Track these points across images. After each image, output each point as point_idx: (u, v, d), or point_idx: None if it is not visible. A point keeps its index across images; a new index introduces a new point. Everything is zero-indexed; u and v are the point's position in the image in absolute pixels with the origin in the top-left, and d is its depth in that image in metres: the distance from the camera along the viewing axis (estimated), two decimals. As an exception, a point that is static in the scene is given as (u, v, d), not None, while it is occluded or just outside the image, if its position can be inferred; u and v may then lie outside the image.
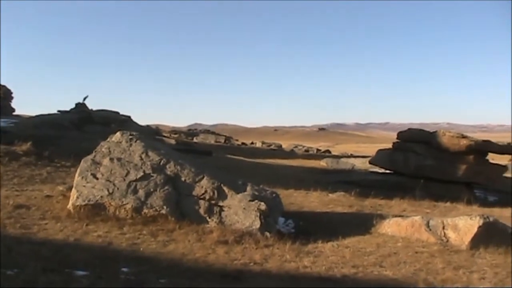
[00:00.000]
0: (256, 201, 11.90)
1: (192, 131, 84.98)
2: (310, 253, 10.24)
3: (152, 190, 11.81)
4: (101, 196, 11.59)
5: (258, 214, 11.50)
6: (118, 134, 13.70)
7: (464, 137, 25.19)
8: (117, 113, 37.25)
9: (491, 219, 11.74)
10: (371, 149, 32.29)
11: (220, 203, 11.92)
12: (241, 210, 11.68)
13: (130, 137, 13.45)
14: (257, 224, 11.33)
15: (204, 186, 12.14)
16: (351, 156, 53.02)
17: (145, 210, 11.46)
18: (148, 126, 54.51)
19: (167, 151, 13.90)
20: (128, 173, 12.17)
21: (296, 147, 70.23)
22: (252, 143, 77.16)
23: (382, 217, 13.60)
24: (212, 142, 59.32)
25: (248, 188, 12.63)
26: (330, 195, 18.76)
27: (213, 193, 12.00)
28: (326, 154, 59.53)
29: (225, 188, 12.18)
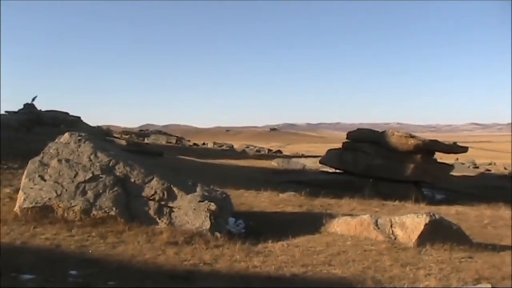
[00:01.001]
0: (206, 201, 11.88)
1: (143, 132, 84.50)
2: (260, 253, 10.28)
3: (101, 191, 11.68)
4: (49, 198, 11.40)
5: (208, 214, 11.48)
6: (66, 135, 13.51)
7: (412, 136, 25.71)
8: (67, 113, 36.76)
9: (437, 216, 11.99)
10: (322, 149, 32.65)
11: (170, 204, 11.86)
12: (191, 211, 11.65)
13: (79, 138, 13.28)
14: (207, 225, 11.32)
15: (154, 187, 12.08)
16: (302, 156, 53.50)
17: (94, 212, 11.32)
18: (98, 127, 54.07)
19: (116, 152, 13.77)
20: (76, 174, 12.01)
21: (247, 147, 70.45)
22: (203, 143, 77.06)
23: (332, 216, 13.76)
24: (164, 142, 59.10)
25: (198, 188, 12.61)
26: (280, 195, 18.88)
27: (163, 194, 11.94)
28: (278, 154, 59.84)
29: (175, 189, 12.14)
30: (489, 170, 47.66)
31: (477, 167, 50.74)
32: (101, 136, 31.15)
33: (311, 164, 36.18)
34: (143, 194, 11.99)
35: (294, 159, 42.38)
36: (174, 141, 63.19)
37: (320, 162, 30.50)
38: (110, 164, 12.46)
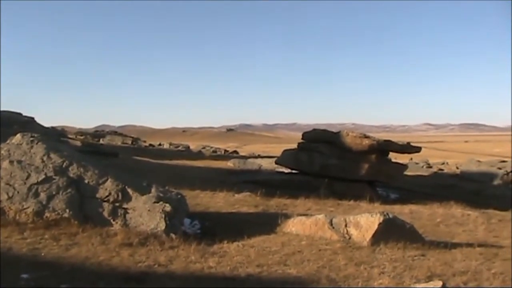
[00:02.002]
0: (161, 202, 11.80)
1: (99, 133, 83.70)
2: (215, 254, 10.27)
3: (54, 193, 11.51)
4: (0, 201, 11.23)
5: (163, 215, 11.41)
6: (18, 135, 13.27)
7: (366, 137, 25.91)
8: (20, 114, 36.10)
9: (390, 215, 12.17)
10: (279, 150, 32.76)
11: (125, 205, 11.76)
12: (146, 212, 11.57)
13: (31, 139, 13.06)
14: (162, 226, 11.26)
15: (108, 188, 11.95)
16: (259, 156, 53.55)
17: (47, 214, 11.16)
18: (53, 127, 53.33)
19: (70, 153, 13.58)
20: (29, 176, 11.80)
21: (204, 148, 70.36)
22: (160, 144, 76.86)
23: (287, 216, 13.82)
24: (119, 143, 58.55)
25: (153, 189, 12.49)
26: (236, 195, 18.88)
27: (117, 195, 11.82)
28: (234, 154, 59.99)
29: (129, 190, 12.02)
30: (442, 170, 48.69)
31: (430, 167, 51.70)
32: (55, 137, 30.71)
33: (267, 164, 36.23)
34: (97, 195, 11.85)
35: (250, 160, 42.41)
36: (129, 142, 62.67)
37: (276, 163, 30.58)
38: (64, 165, 12.28)
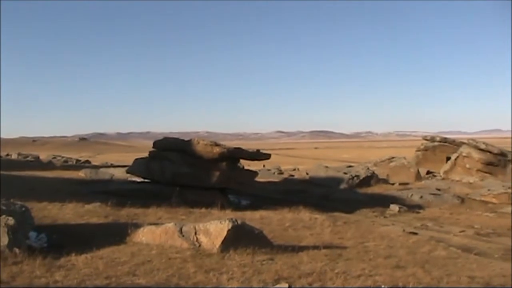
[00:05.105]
0: (4, 216, 11.32)
1: None
2: (62, 267, 10.01)
3: None
4: None
5: (6, 229, 10.95)
6: None
7: (217, 145, 26.35)
8: None
9: (239, 222, 12.46)
10: (132, 158, 32.42)
11: (-37, 221, 11.21)
12: (-13, 227, 11.09)
13: None
14: (4, 241, 10.79)
15: None
16: (111, 165, 52.83)
17: None
18: None
19: None
20: None
21: (54, 158, 68.27)
22: (7, 154, 73.66)
23: (138, 226, 13.74)
24: (-39, 154, 55.76)
25: (-5, 203, 12.03)
26: (86, 206, 18.45)
27: (-45, 210, 11.27)
28: (86, 164, 58.69)
29: (-32, 204, 11.49)
30: (293, 175, 50.26)
31: (282, 173, 53.19)
32: None
33: (120, 173, 35.83)
34: None
35: (102, 169, 41.80)
36: (-27, 153, 59.97)
37: (127, 172, 30.35)
38: None
